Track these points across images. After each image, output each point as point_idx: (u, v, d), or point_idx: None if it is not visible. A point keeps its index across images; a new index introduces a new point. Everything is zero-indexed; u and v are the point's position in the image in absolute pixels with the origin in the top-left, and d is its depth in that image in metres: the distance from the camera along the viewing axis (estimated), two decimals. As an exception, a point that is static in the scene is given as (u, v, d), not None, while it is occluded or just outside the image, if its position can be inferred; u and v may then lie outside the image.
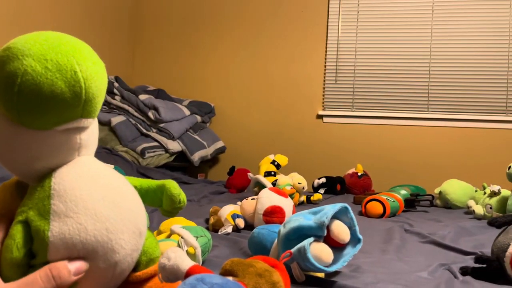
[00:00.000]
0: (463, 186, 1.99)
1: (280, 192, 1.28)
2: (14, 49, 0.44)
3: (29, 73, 0.42)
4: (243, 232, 1.21)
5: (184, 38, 3.29)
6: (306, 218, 0.74)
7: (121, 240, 0.48)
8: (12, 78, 0.43)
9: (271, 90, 3.13)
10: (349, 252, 0.75)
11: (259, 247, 0.87)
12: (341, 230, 0.73)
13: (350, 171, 2.46)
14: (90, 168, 0.49)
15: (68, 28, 2.66)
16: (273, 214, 1.21)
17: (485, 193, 1.74)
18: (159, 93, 2.98)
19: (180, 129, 2.67)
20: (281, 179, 1.83)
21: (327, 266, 0.71)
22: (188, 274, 0.47)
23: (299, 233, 0.73)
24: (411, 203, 1.85)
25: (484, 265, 0.81)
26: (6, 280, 0.44)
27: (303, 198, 1.91)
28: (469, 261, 0.94)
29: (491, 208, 1.62)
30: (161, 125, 2.64)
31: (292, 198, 1.74)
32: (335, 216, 0.75)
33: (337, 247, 0.75)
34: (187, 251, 0.79)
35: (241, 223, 1.21)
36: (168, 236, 0.84)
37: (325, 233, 0.72)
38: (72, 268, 0.44)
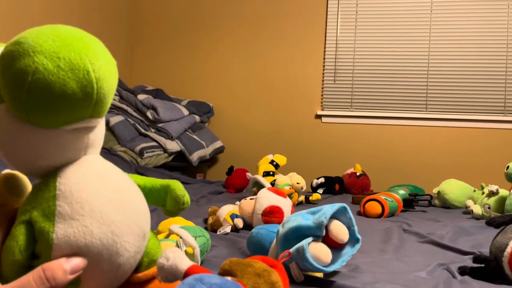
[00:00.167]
0: (462, 186, 2.00)
1: (279, 192, 1.28)
2: (25, 45, 0.41)
3: (40, 72, 0.40)
4: (242, 232, 1.21)
5: (183, 38, 3.29)
6: (304, 218, 0.74)
7: (125, 243, 0.47)
8: (22, 75, 0.40)
9: (270, 90, 3.13)
10: (348, 252, 0.75)
11: (258, 247, 0.87)
12: (339, 230, 0.73)
13: (349, 171, 2.46)
14: (96, 168, 0.48)
15: (67, 27, 2.65)
16: (272, 214, 1.21)
17: (483, 193, 1.74)
18: (158, 93, 2.98)
19: (178, 129, 2.67)
20: (280, 179, 1.83)
21: (325, 266, 0.71)
22: (186, 274, 0.47)
23: (298, 233, 0.73)
24: (409, 203, 1.85)
25: (482, 265, 0.81)
26: (6, 281, 0.43)
27: (302, 198, 1.91)
28: (468, 261, 0.94)
29: (489, 208, 1.62)
30: (160, 125, 2.64)
31: (290, 198, 1.74)
32: (334, 216, 0.75)
33: (336, 247, 0.75)
34: (185, 251, 0.79)
35: (239, 223, 1.21)
36: (167, 236, 0.84)
37: (324, 233, 0.72)
38: (68, 267, 0.42)
